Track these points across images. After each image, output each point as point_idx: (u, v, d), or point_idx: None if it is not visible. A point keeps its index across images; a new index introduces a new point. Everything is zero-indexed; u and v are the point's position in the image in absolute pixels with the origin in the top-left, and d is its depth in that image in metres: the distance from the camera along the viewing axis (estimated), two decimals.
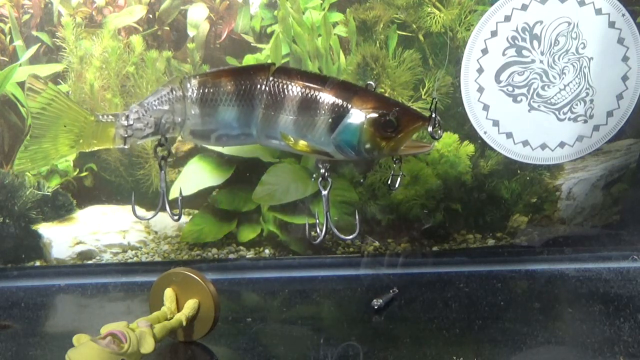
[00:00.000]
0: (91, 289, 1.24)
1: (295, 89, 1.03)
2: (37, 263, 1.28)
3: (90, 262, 1.28)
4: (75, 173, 1.24)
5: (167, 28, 1.19)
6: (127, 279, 1.27)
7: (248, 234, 1.29)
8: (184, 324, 0.97)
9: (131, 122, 1.04)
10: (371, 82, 1.06)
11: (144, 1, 1.18)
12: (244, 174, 1.26)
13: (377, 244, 1.31)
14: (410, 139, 1.02)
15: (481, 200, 1.30)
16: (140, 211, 1.24)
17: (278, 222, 1.29)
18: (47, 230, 1.26)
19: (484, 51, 1.21)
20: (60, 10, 1.17)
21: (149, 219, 1.18)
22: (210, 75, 1.06)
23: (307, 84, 1.03)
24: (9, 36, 1.18)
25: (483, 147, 1.26)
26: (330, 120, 1.02)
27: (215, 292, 0.99)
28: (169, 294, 0.99)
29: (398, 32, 1.20)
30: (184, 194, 1.14)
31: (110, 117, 1.05)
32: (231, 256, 1.30)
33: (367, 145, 1.01)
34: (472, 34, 1.20)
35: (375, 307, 1.12)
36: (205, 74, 1.07)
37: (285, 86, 1.04)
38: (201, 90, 1.05)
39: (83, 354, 0.81)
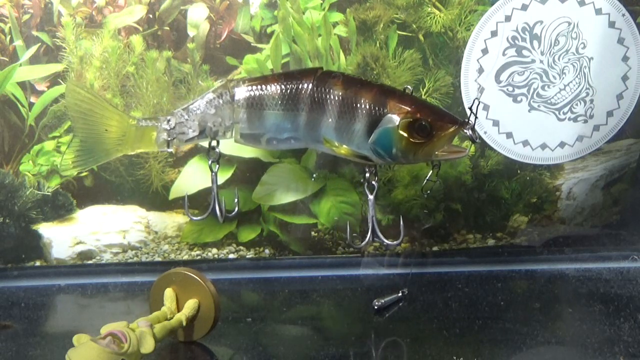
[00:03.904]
0: (91, 289, 1.24)
1: (335, 93, 1.04)
2: (37, 263, 1.28)
3: (90, 262, 1.28)
4: (76, 173, 1.24)
5: (167, 28, 1.19)
6: (127, 279, 1.27)
7: (248, 234, 1.29)
8: (184, 324, 0.97)
9: (173, 126, 1.06)
10: (409, 86, 1.06)
11: (144, 1, 1.18)
12: (244, 174, 1.26)
13: (377, 243, 1.30)
14: (447, 143, 1.01)
15: (481, 200, 1.30)
16: (147, 212, 1.25)
17: (278, 222, 1.29)
18: (47, 230, 1.26)
19: (484, 51, 1.21)
20: (60, 10, 1.17)
21: (201, 219, 1.18)
22: (257, 81, 1.08)
23: (346, 88, 1.04)
24: (9, 36, 1.18)
25: (483, 147, 1.26)
26: (366, 124, 1.02)
27: (215, 292, 0.99)
28: (169, 294, 0.99)
29: (398, 32, 1.20)
30: (185, 193, 1.14)
31: (151, 121, 1.08)
32: (231, 256, 1.30)
33: (402, 150, 1.02)
34: (472, 34, 1.20)
35: (376, 307, 1.12)
36: (252, 78, 1.09)
37: (326, 91, 1.05)
38: (248, 95, 1.06)
39: (83, 354, 0.81)
